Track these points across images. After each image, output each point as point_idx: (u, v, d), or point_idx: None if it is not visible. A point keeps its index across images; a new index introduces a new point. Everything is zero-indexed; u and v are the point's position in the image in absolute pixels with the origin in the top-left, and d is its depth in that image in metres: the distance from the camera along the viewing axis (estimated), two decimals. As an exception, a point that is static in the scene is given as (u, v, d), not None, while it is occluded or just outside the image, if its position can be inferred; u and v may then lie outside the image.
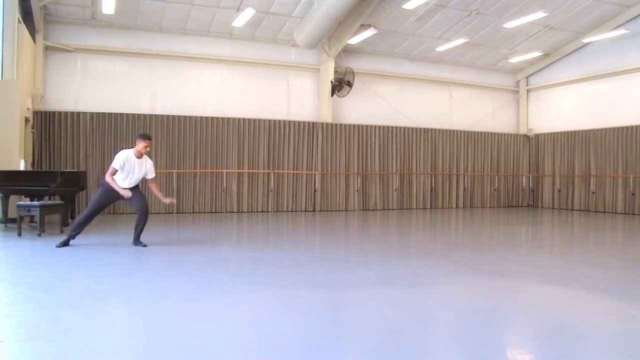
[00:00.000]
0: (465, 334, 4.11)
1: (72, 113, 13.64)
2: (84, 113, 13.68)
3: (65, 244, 7.81)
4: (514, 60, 18.57)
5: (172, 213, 14.25)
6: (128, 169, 7.80)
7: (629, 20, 15.88)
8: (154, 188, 8.13)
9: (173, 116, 14.58)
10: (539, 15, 14.35)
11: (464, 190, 18.47)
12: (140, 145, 7.83)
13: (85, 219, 7.92)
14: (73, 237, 7.91)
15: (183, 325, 4.13)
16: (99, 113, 13.85)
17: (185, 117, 14.70)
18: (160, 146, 14.39)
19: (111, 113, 13.97)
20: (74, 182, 10.53)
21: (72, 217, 10.94)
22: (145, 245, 8.03)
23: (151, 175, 8.04)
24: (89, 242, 8.36)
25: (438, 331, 4.20)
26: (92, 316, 4.33)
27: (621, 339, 3.95)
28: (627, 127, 16.31)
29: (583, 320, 4.56)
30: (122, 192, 7.69)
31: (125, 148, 8.43)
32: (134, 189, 7.98)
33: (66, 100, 13.88)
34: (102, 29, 14.13)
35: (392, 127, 17.30)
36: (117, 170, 7.74)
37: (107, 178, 7.74)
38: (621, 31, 15.81)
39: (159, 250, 7.81)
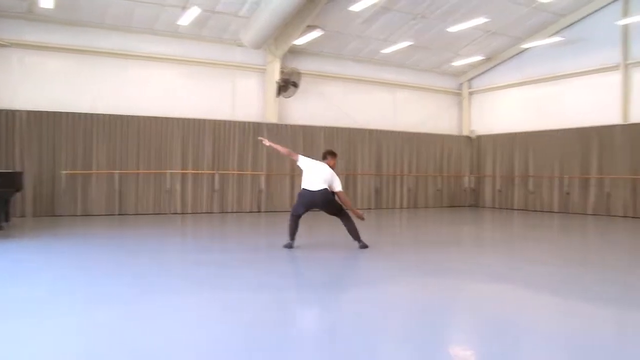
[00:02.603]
0: (409, 332, 4.17)
1: (7, 111, 13.08)
2: (20, 111, 13.16)
3: (364, 246, 8.35)
4: (457, 63, 18.99)
5: (114, 215, 13.92)
6: None
7: (563, 28, 16.62)
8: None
9: (116, 115, 14.20)
10: (481, 20, 14.76)
11: (408, 190, 18.75)
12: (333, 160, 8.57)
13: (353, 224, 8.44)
14: (360, 240, 8.36)
15: (126, 329, 4.04)
16: (37, 111, 13.34)
17: (128, 116, 14.35)
18: (102, 146, 13.99)
19: (50, 112, 13.48)
20: (9, 183, 10.13)
21: (7, 220, 10.53)
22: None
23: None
24: (28, 245, 8.08)
25: (382, 330, 4.24)
26: (28, 325, 4.17)
27: (559, 333, 4.08)
28: (563, 130, 16.93)
29: (524, 316, 4.69)
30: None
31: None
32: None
33: (1, 97, 13.32)
34: (41, 23, 13.60)
35: (337, 128, 17.40)
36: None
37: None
38: (557, 38, 16.52)
39: (102, 253, 7.61)
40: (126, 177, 14.27)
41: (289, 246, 8.29)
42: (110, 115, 14.13)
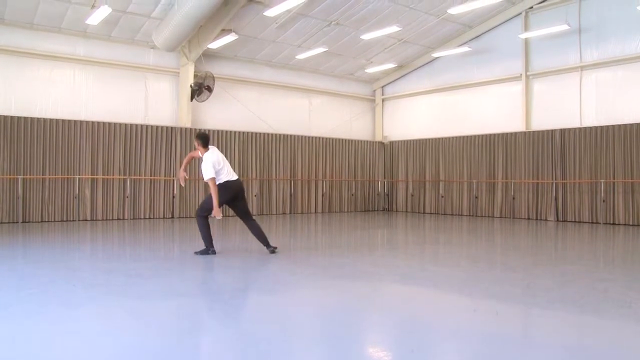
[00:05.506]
0: (323, 334, 4.21)
1: None
2: None
3: (273, 250, 8.26)
4: (371, 70, 19.40)
5: (17, 222, 13.22)
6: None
7: (471, 39, 17.42)
8: None
9: (18, 117, 13.47)
10: (394, 29, 15.17)
11: (323, 195, 18.93)
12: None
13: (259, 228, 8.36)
14: (269, 245, 8.30)
15: (29, 342, 3.83)
16: None
17: (32, 118, 13.65)
18: (3, 150, 13.24)
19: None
20: None
21: None
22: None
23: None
24: None
25: (297, 334, 4.24)
26: None
27: (465, 330, 4.24)
28: (470, 136, 17.68)
29: (432, 316, 4.85)
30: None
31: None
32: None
33: None
34: None
35: (251, 133, 17.33)
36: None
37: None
38: (465, 49, 17.26)
39: (1, 263, 7.20)
40: (31, 183, 13.58)
41: (212, 252, 8.06)
42: (12, 116, 13.39)
